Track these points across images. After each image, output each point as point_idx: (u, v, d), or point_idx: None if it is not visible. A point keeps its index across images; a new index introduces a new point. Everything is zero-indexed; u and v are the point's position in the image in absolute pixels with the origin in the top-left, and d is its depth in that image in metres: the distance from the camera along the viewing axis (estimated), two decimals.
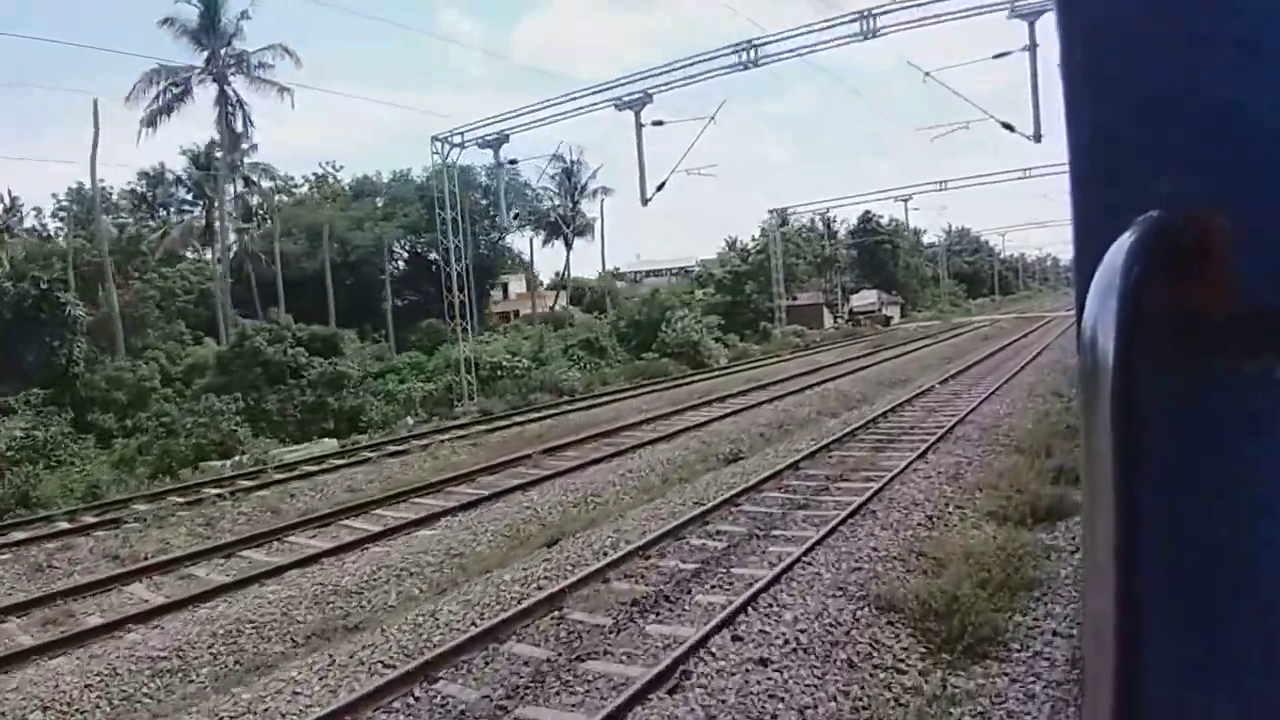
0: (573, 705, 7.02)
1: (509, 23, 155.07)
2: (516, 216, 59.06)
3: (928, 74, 24.65)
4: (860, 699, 6.72)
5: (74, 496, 21.19)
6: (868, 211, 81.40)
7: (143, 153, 79.46)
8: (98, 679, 9.25)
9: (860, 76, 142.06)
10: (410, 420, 30.02)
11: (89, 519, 17.49)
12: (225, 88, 39.08)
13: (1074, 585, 8.82)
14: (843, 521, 11.08)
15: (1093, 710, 0.57)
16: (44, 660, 9.66)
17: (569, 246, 62.45)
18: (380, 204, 61.48)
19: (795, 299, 64.21)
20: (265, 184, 56.08)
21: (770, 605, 8.44)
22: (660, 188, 27.66)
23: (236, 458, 25.24)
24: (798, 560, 9.63)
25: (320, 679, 8.07)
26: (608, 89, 27.58)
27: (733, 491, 13.26)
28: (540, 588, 9.62)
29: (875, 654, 7.47)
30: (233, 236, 55.37)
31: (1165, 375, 0.66)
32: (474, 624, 8.79)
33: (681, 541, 11.13)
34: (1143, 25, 0.71)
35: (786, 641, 7.61)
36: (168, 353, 38.41)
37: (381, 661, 8.21)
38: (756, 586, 8.86)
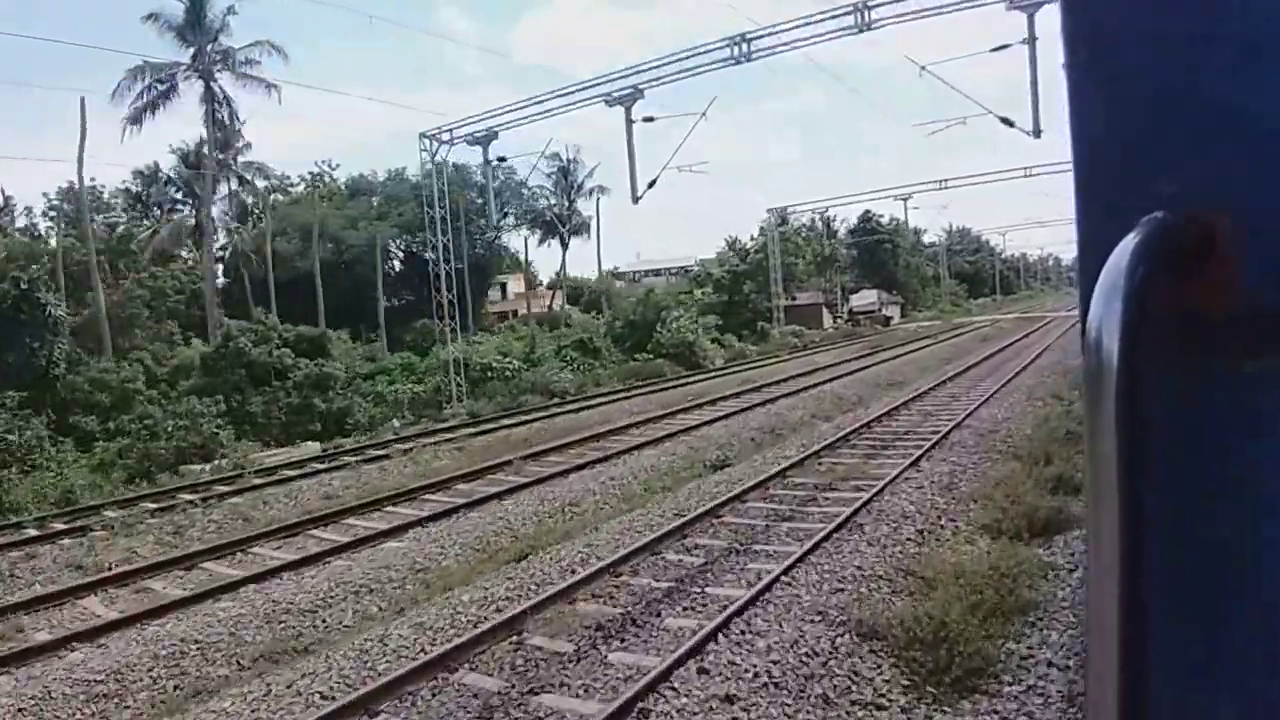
0: None
1: (508, 22, 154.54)
2: (505, 215, 58.38)
3: (924, 68, 24.01)
4: None
5: (47, 502, 20.63)
6: (868, 211, 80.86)
7: (140, 151, 79.00)
8: (32, 703, 8.68)
9: (861, 75, 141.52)
10: (396, 423, 29.39)
11: (59, 526, 16.91)
12: (211, 84, 38.38)
13: (1072, 609, 8.17)
14: (827, 536, 10.43)
15: (1098, 709, 0.58)
16: None
17: (565, 246, 61.80)
18: (375, 203, 60.80)
19: (794, 299, 63.51)
20: (260, 183, 55.37)
21: (743, 632, 7.79)
22: (651, 185, 27.03)
23: (216, 461, 24.67)
24: (776, 580, 8.98)
25: (253, 711, 7.44)
26: (597, 85, 26.97)
27: (715, 502, 12.61)
28: (500, 609, 8.98)
29: (854, 688, 6.81)
30: (227, 237, 55.02)
31: (1169, 376, 0.67)
32: (424, 651, 8.15)
33: (657, 557, 10.48)
34: (1145, 26, 0.71)
35: (757, 675, 6.96)
36: (154, 354, 37.75)
37: (320, 693, 7.57)
38: (730, 609, 8.21)
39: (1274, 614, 0.64)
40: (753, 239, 64.19)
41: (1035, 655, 7.25)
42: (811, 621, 7.94)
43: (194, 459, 25.89)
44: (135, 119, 38.23)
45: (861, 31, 22.87)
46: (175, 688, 8.95)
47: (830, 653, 7.33)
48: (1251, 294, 0.64)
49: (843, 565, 9.43)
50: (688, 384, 33.76)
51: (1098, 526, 0.60)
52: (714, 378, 35.65)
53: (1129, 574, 0.57)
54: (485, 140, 30.24)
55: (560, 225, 59.94)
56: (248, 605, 11.01)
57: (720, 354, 44.99)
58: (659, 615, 8.56)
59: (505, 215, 58.94)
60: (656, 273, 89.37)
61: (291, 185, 63.59)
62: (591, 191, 60.61)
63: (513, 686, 7.32)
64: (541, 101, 28.28)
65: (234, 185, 52.88)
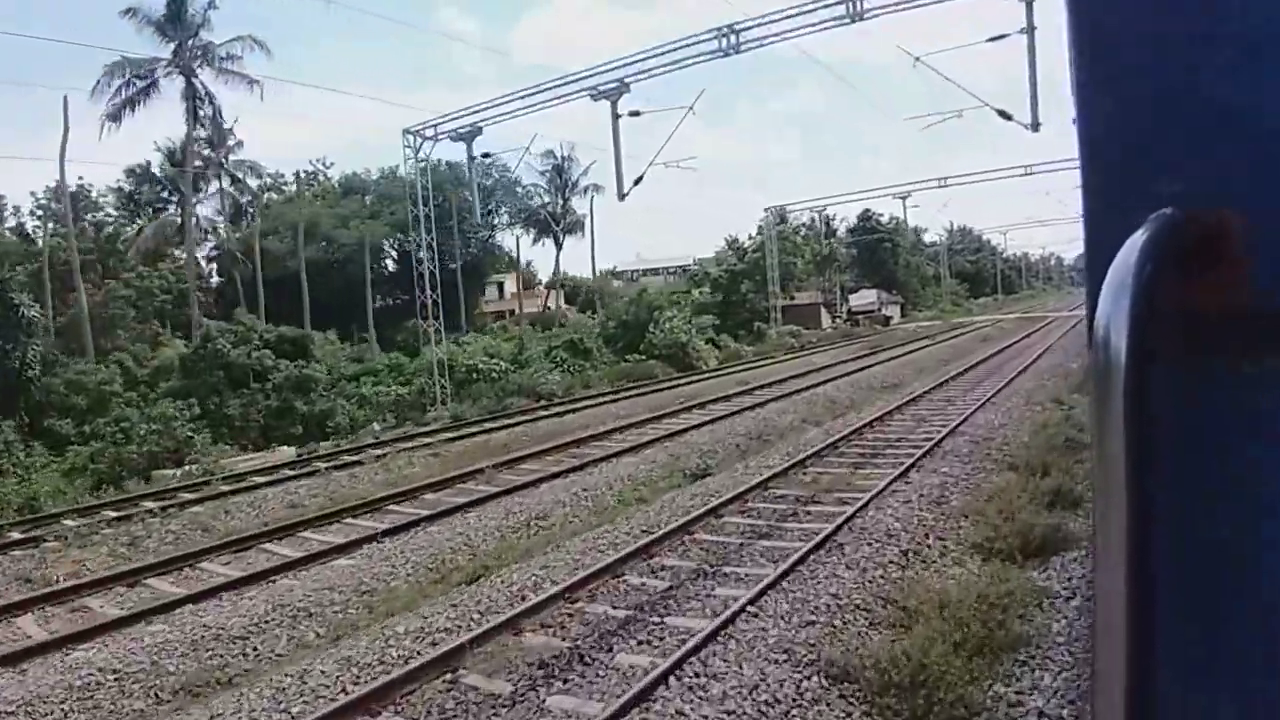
0: None
1: (508, 22, 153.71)
2: (490, 212, 57.47)
3: (918, 59, 23.12)
4: None
5: (11, 509, 19.90)
6: (867, 210, 79.98)
7: (135, 149, 78.33)
8: None
9: (860, 72, 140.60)
10: (376, 426, 28.53)
11: (15, 535, 16.16)
12: (193, 80, 37.55)
13: (1069, 645, 7.32)
14: (804, 558, 9.56)
15: (1105, 706, 0.58)
16: None
17: (559, 245, 60.93)
18: (368, 202, 59.93)
19: (793, 298, 62.59)
20: (253, 182, 54.51)
21: (698, 673, 6.93)
22: (637, 181, 26.16)
23: (187, 467, 23.88)
24: (743, 609, 8.12)
25: None
26: (583, 79, 26.06)
27: (689, 517, 11.76)
28: (436, 643, 8.13)
29: None
30: (220, 236, 54.28)
31: (1175, 373, 0.67)
32: (345, 691, 7.31)
33: (619, 580, 9.63)
34: (1151, 26, 0.72)
35: None
36: (134, 355, 36.92)
37: None
38: (688, 645, 7.35)
39: (1274, 614, 0.64)
40: (750, 238, 63.25)
41: (1025, 702, 6.40)
42: (776, 661, 7.08)
43: (167, 464, 25.14)
44: (114, 116, 37.52)
45: (854, 21, 21.98)
46: None
47: (793, 700, 6.47)
48: (1255, 294, 0.65)
49: (817, 592, 8.56)
50: (679, 386, 32.89)
51: (1105, 523, 0.60)
52: (706, 379, 34.78)
53: (1136, 571, 0.57)
54: (469, 136, 29.39)
55: (554, 224, 59.07)
56: (179, 629, 10.21)
57: (715, 355, 44.08)
58: (610, 650, 7.70)
59: (492, 213, 58.05)
60: (655, 272, 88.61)
61: (286, 184, 62.85)
62: (586, 190, 59.82)
63: None
64: (525, 96, 27.44)
65: (225, 184, 52.10)
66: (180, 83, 38.09)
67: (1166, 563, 0.63)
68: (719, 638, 7.57)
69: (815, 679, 6.77)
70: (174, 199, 51.02)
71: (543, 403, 29.94)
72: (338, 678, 7.62)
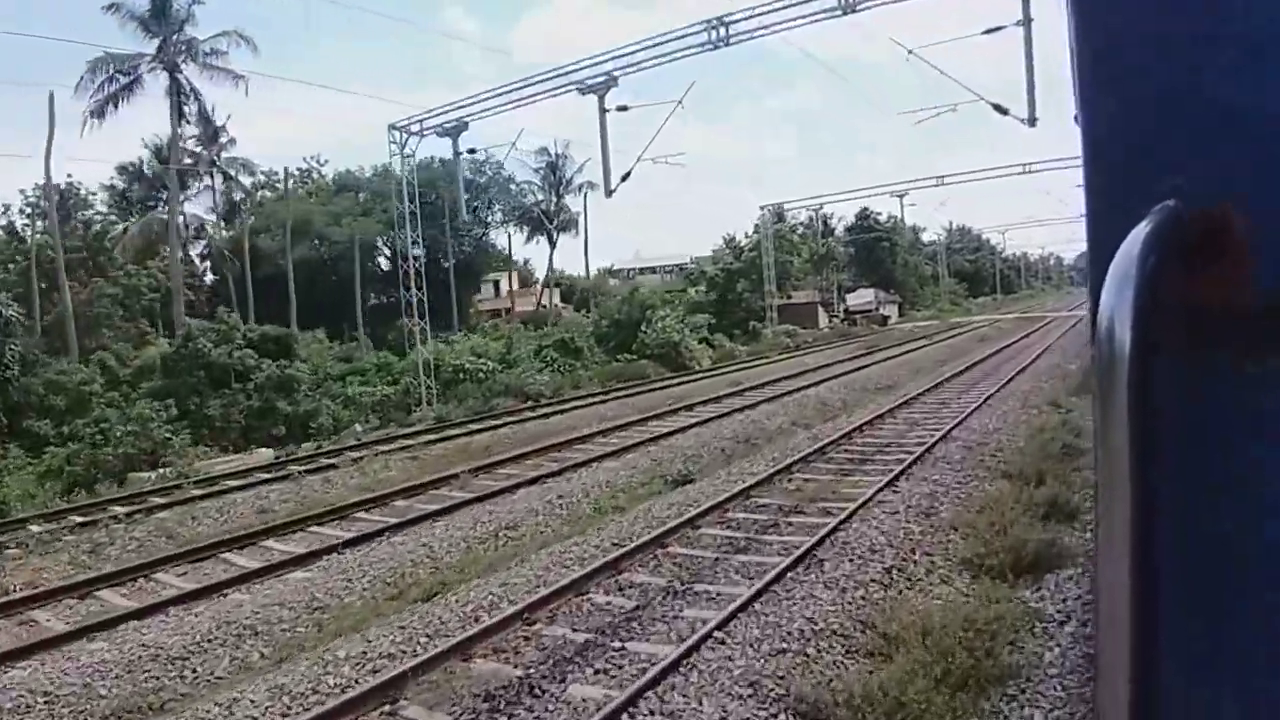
0: None
1: (509, 21, 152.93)
2: (476, 210, 56.78)
3: (911, 51, 22.50)
4: None
5: None
6: (865, 208, 79.26)
7: (128, 147, 77.79)
8: None
9: (857, 70, 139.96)
10: (359, 428, 27.90)
11: None
12: (177, 76, 36.91)
13: (1060, 677, 6.70)
14: (780, 576, 8.94)
15: (1109, 699, 0.58)
16: None
17: (552, 243, 60.30)
18: (362, 199, 59.25)
19: (790, 297, 61.95)
20: (246, 179, 53.79)
21: (654, 710, 6.31)
22: (625, 177, 25.55)
23: (162, 470, 23.29)
24: (710, 634, 7.50)
25: None
26: (569, 72, 25.45)
27: (664, 528, 11.13)
28: (377, 670, 7.51)
29: None
30: (209, 232, 53.72)
31: (1179, 366, 0.67)
32: None
33: (583, 599, 9.00)
34: (1156, 21, 0.72)
35: None
36: (117, 354, 36.27)
37: None
38: (647, 677, 6.74)
39: (1276, 614, 0.64)
40: (747, 236, 62.57)
41: None
42: (741, 696, 6.45)
43: (144, 466, 24.56)
44: (98, 112, 36.94)
45: (845, 14, 21.38)
46: None
47: None
48: (1259, 294, 0.64)
49: (791, 615, 7.93)
50: (670, 387, 32.25)
51: (1109, 515, 0.60)
52: (699, 380, 34.14)
53: (1140, 562, 0.57)
54: (455, 132, 28.77)
55: (547, 221, 58.42)
56: (119, 648, 9.61)
57: (708, 355, 43.43)
58: (563, 681, 7.07)
59: (478, 210, 57.38)
60: (653, 271, 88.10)
61: (280, 181, 62.18)
62: (580, 187, 59.17)
63: None
64: (511, 91, 26.82)
65: (218, 181, 51.44)
66: (165, 79, 37.53)
67: (1170, 555, 0.62)
68: (681, 668, 6.95)
69: (782, 717, 6.15)
70: (165, 196, 50.36)
71: (530, 403, 29.30)
72: (267, 708, 7.01)
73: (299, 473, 19.25)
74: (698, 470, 15.60)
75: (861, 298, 73.71)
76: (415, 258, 48.23)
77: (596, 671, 7.21)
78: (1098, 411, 0.62)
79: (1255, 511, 0.65)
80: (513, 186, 60.18)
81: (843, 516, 11.04)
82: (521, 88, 26.53)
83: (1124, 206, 0.69)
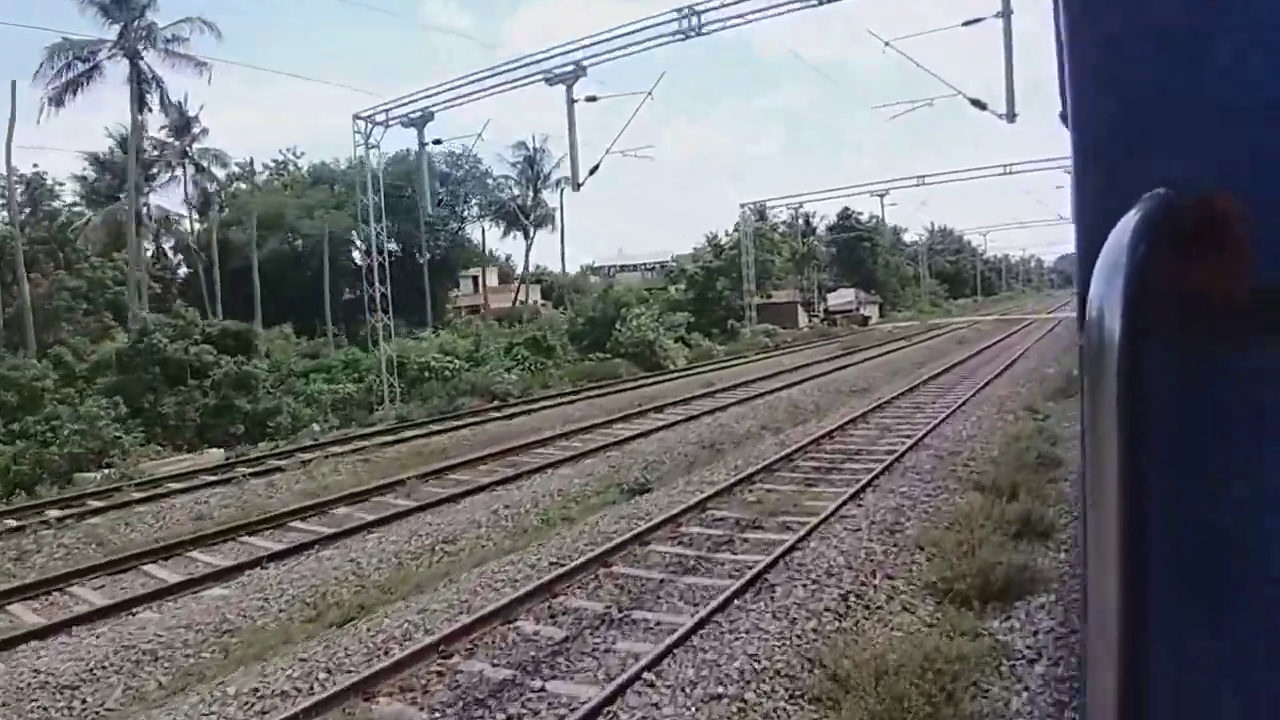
0: None
1: (503, 14, 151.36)
2: (451, 205, 55.87)
3: (887, 43, 21.75)
4: None
5: None
6: (847, 208, 78.63)
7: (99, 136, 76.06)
8: None
9: (843, 71, 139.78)
10: (316, 428, 26.96)
11: None
12: (138, 63, 35.78)
13: None
14: (726, 603, 8.15)
15: (1097, 688, 0.57)
16: None
17: (528, 238, 59.34)
18: (337, 191, 58.13)
19: (770, 297, 61.26)
20: (219, 171, 52.50)
21: None
22: (593, 171, 24.67)
23: (107, 471, 22.34)
24: (639, 675, 6.70)
25: None
26: (537, 61, 24.54)
27: (610, 544, 10.33)
28: (265, 711, 6.67)
29: None
30: (173, 224, 52.49)
31: (1171, 354, 0.66)
32: None
33: (510, 627, 8.18)
34: (1143, 8, 0.71)
35: None
36: (74, 349, 35.13)
37: None
38: None
39: (1277, 608, 0.63)
40: (728, 234, 61.76)
41: None
42: None
43: (91, 466, 23.60)
44: (56, 100, 35.77)
45: (821, 4, 20.62)
46: None
47: None
48: (1257, 285, 0.63)
49: (733, 652, 7.13)
50: (642, 387, 31.44)
51: (1098, 503, 0.59)
52: (672, 380, 33.36)
53: (1129, 550, 0.56)
54: (420, 122, 27.82)
55: (523, 216, 57.46)
56: (10, 673, 8.77)
57: (684, 354, 42.61)
58: None
59: (453, 205, 56.48)
60: (635, 268, 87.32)
61: (256, 173, 60.94)
62: (558, 182, 58.20)
63: None
64: (479, 79, 25.89)
65: (190, 172, 50.19)
66: (126, 66, 36.36)
67: (1163, 543, 0.62)
68: (602, 715, 6.15)
69: None
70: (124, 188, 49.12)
71: (496, 403, 28.42)
72: None
73: (243, 476, 18.33)
74: (657, 479, 14.80)
75: (842, 298, 73.06)
76: (390, 252, 47.32)
77: (508, 717, 6.39)
78: (1086, 399, 0.61)
79: (1255, 504, 0.64)
80: (489, 181, 59.26)
81: (802, 533, 10.26)
82: (488, 77, 25.65)
83: (1114, 194, 0.68)
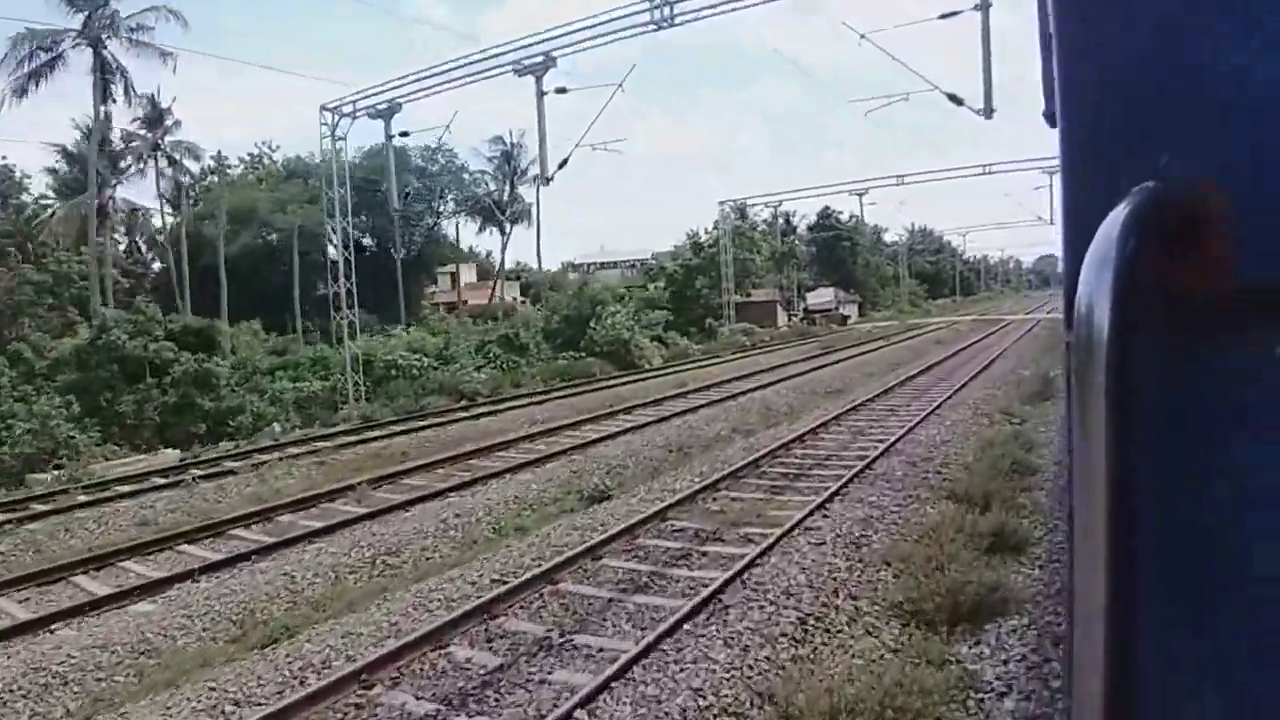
0: None
1: (482, 5, 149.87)
2: (427, 200, 55.04)
3: (863, 36, 21.26)
4: None
5: None
6: (827, 207, 78.24)
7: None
8: None
9: (828, 72, 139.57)
10: (277, 428, 26.20)
11: None
12: (102, 52, 34.88)
13: None
14: (675, 628, 7.57)
15: (1084, 687, 0.57)
16: None
17: (504, 234, 58.59)
18: (311, 185, 57.21)
19: (749, 295, 60.73)
20: (192, 164, 51.42)
21: None
22: (562, 165, 24.07)
23: (57, 472, 21.56)
24: (570, 714, 6.11)
25: None
26: (506, 52, 23.92)
27: (560, 558, 9.73)
28: None
29: None
30: (159, 220, 51.62)
31: (1159, 351, 0.66)
32: None
33: (441, 653, 7.57)
34: (1139, 2, 0.70)
35: None
36: (34, 345, 34.20)
37: None
38: None
39: (1260, 608, 0.63)
40: (707, 232, 61.19)
41: None
42: None
43: (45, 467, 22.82)
44: (19, 90, 34.82)
45: None
46: None
47: None
48: (1240, 284, 0.63)
49: (677, 684, 6.55)
50: (615, 386, 30.82)
51: (1086, 497, 0.59)
52: (646, 379, 32.74)
53: (1117, 545, 0.56)
54: (387, 114, 27.13)
55: (499, 212, 56.71)
56: None
57: (660, 353, 42.01)
58: None
59: (430, 200, 55.70)
60: (614, 265, 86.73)
61: (231, 167, 59.90)
62: (535, 178, 57.49)
63: None
64: (447, 70, 25.23)
65: (162, 165, 49.15)
66: (90, 56, 35.48)
67: (1149, 539, 0.62)
68: None
69: None
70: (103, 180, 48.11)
71: (464, 403, 27.74)
72: None
73: (194, 479, 17.58)
74: (618, 485, 14.21)
75: (821, 297, 72.69)
76: (364, 248, 46.39)
77: None
78: (1074, 393, 0.61)
79: (1238, 504, 0.63)
80: (465, 175, 58.48)
81: (763, 547, 9.70)
82: (456, 68, 24.99)
83: (1102, 188, 0.68)
